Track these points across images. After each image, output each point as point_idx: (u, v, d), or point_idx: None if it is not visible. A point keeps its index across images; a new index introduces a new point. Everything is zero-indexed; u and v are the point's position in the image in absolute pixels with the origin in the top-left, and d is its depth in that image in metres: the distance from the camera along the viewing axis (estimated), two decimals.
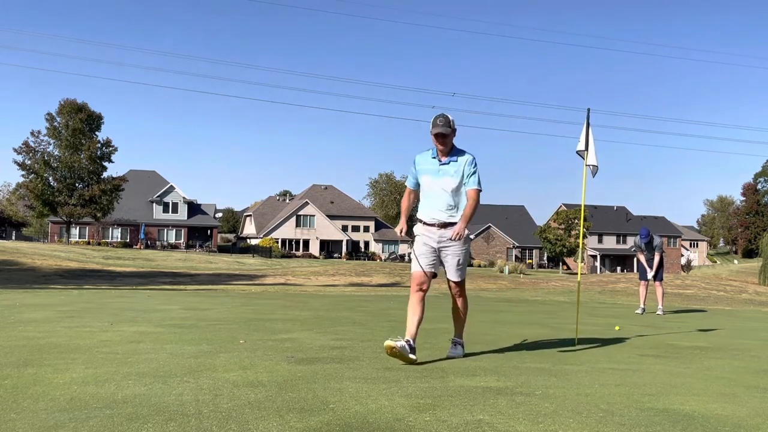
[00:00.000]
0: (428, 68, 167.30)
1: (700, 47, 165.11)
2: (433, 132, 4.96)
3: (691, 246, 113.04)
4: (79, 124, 61.06)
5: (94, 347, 5.29)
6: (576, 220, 73.36)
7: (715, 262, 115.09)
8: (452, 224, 4.99)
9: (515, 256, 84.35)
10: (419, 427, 2.96)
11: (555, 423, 3.10)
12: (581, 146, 6.82)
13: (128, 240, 70.21)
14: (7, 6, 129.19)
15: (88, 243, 65.57)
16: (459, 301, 5.29)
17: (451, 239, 4.96)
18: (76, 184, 61.83)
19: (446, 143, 4.99)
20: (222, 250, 75.27)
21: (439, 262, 5.08)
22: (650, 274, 12.46)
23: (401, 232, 5.21)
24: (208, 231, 76.27)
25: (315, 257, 73.09)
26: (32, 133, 60.90)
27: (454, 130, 5.00)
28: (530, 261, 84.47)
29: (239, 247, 77.04)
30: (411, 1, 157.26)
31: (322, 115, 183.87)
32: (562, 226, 75.10)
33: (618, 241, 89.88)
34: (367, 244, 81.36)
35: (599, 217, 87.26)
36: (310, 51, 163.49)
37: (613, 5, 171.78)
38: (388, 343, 4.69)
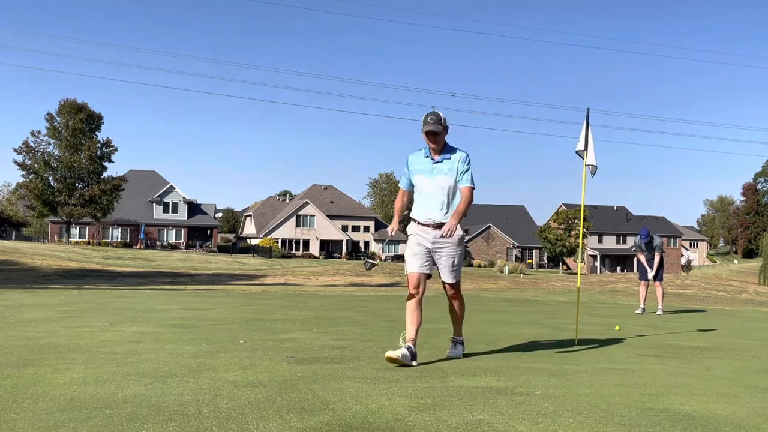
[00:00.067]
0: (428, 68, 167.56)
1: (700, 47, 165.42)
2: (424, 130, 4.87)
3: (691, 246, 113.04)
4: (79, 124, 61.06)
5: (94, 347, 5.29)
6: (576, 220, 73.38)
7: (715, 262, 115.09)
8: None
9: (515, 256, 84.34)
10: (419, 427, 2.96)
11: (555, 423, 3.10)
12: (581, 146, 6.83)
13: (128, 240, 70.20)
14: (7, 6, 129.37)
15: (88, 243, 65.56)
16: (455, 304, 5.20)
17: (443, 236, 4.84)
18: (76, 184, 61.83)
19: (438, 141, 4.90)
20: (222, 250, 75.27)
21: (432, 262, 4.97)
22: (650, 274, 12.46)
23: (392, 232, 5.16)
24: (208, 231, 76.28)
25: (315, 257, 73.09)
26: (32, 133, 61.01)
27: (445, 128, 4.91)
28: (530, 261, 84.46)
29: (239, 247, 77.05)
30: (411, 1, 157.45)
31: (322, 115, 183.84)
32: (562, 226, 75.10)
33: (618, 241, 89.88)
34: (367, 244, 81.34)
35: (599, 217, 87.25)
36: (310, 51, 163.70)
37: (613, 5, 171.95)
38: (389, 354, 4.64)
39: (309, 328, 7.21)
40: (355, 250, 79.06)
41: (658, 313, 12.19)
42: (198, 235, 75.18)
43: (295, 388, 3.75)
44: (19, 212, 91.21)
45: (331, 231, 78.80)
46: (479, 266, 68.05)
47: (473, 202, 5.04)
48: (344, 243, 79.20)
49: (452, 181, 4.91)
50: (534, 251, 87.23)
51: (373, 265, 5.40)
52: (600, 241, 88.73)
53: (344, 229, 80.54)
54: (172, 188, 75.13)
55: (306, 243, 77.90)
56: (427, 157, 4.97)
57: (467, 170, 4.92)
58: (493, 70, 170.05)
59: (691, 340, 7.36)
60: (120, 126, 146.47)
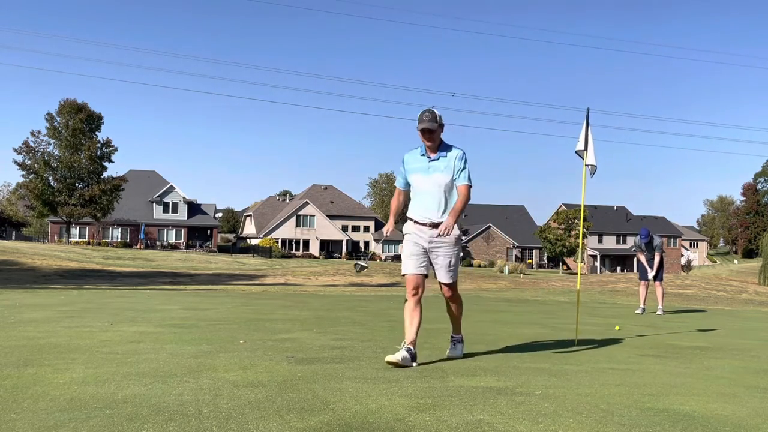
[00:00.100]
0: (428, 68, 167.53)
1: (700, 47, 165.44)
2: (419, 128, 4.83)
3: (691, 246, 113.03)
4: (79, 124, 61.07)
5: (94, 347, 5.30)
6: (576, 220, 73.38)
7: (715, 262, 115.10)
8: None
9: (515, 256, 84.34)
10: (419, 427, 2.96)
11: (555, 423, 3.10)
12: (581, 146, 6.83)
13: (128, 240, 70.20)
14: (7, 6, 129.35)
15: (88, 243, 65.57)
16: (452, 304, 5.17)
17: (440, 235, 4.79)
18: (76, 184, 61.84)
19: (433, 139, 4.85)
20: (222, 250, 75.27)
21: (429, 262, 4.92)
22: (650, 274, 12.46)
23: (387, 232, 5.15)
24: (208, 231, 76.28)
25: (315, 257, 73.09)
26: (32, 133, 61.01)
27: (441, 125, 4.86)
28: (530, 261, 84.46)
29: (239, 247, 77.04)
30: (411, 1, 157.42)
31: (322, 115, 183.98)
32: (562, 226, 75.11)
33: (618, 241, 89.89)
34: (367, 244, 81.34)
35: (599, 217, 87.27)
36: (310, 51, 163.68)
37: (613, 5, 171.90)
38: (389, 359, 4.61)
39: (309, 328, 7.21)
40: (355, 250, 79.04)
41: (658, 313, 12.19)
42: (198, 235, 75.18)
43: (295, 388, 3.75)
44: (19, 212, 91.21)
45: (331, 231, 78.79)
46: (479, 266, 68.05)
47: (472, 202, 5.02)
48: (344, 243, 79.19)
49: (449, 179, 4.86)
50: (534, 251, 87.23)
51: (363, 267, 5.41)
52: (600, 241, 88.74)
53: (344, 229, 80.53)
54: (172, 188, 75.13)
55: (306, 243, 77.90)
56: (423, 155, 4.93)
57: (464, 168, 4.87)
58: (493, 70, 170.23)
59: (691, 340, 7.36)
60: (120, 126, 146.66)
